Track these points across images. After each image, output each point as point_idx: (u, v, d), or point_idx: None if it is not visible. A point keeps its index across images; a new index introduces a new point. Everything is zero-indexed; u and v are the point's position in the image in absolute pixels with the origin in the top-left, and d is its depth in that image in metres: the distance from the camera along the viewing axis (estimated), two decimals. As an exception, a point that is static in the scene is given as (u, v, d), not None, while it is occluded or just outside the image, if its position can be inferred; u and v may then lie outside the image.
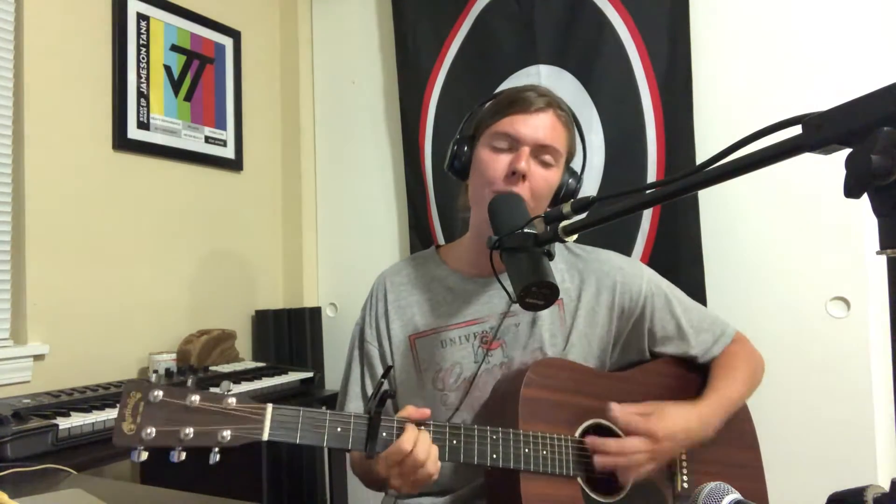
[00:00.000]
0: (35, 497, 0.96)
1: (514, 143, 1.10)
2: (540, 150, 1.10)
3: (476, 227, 1.19)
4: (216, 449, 0.81)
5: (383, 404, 0.90)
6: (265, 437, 0.84)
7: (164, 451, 0.79)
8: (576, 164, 1.21)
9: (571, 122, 1.17)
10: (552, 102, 1.13)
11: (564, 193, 1.15)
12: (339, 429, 0.88)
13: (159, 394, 0.79)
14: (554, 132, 1.11)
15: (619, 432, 1.07)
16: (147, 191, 2.03)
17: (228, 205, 2.31)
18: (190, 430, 0.79)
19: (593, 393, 1.11)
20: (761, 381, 1.24)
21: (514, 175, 1.08)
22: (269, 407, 0.85)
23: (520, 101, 1.12)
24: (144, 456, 0.78)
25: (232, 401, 0.83)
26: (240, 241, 2.35)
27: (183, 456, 0.80)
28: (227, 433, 0.81)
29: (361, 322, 1.27)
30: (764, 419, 1.25)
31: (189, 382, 0.81)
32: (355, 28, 2.43)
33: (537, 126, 1.10)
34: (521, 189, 1.08)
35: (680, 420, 1.06)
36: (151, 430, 0.78)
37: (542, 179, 1.10)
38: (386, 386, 0.91)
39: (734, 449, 1.17)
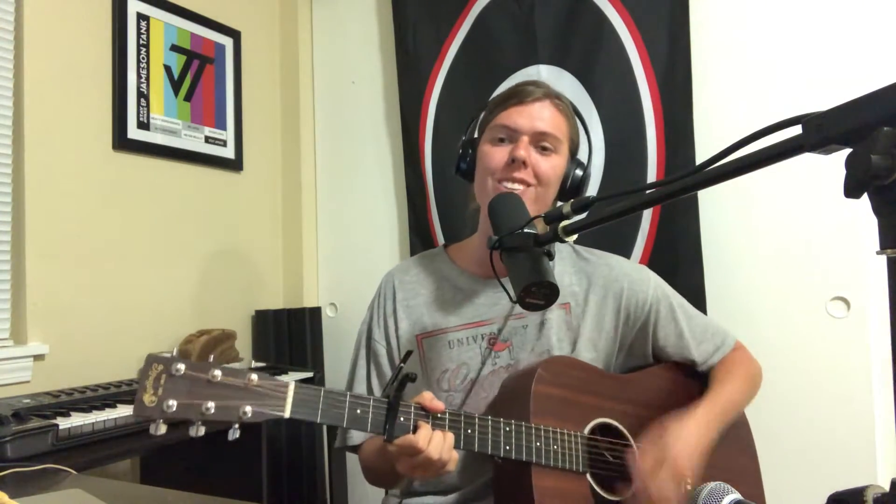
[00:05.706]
0: (35, 497, 0.96)
1: (513, 134, 1.12)
2: (539, 138, 1.12)
3: (483, 226, 1.19)
4: (236, 425, 0.80)
5: (403, 388, 0.89)
6: (287, 413, 0.82)
7: (184, 425, 0.78)
8: (582, 156, 1.21)
9: (571, 112, 1.18)
10: (549, 93, 1.15)
11: (571, 183, 1.16)
12: (358, 410, 0.88)
13: (182, 367, 0.77)
14: (552, 120, 1.13)
15: (625, 431, 1.09)
16: (147, 191, 2.03)
17: (228, 205, 2.31)
18: (211, 405, 0.77)
19: (601, 392, 1.12)
20: (759, 387, 1.24)
21: (514, 163, 1.09)
22: (292, 384, 0.83)
23: (517, 94, 1.14)
24: (164, 429, 0.76)
25: (254, 377, 0.81)
26: (240, 241, 2.35)
27: (202, 431, 0.78)
28: (248, 409, 0.79)
29: (368, 321, 1.26)
30: (764, 419, 1.25)
31: (211, 359, 0.80)
32: (355, 28, 2.43)
33: (534, 115, 1.12)
34: (525, 175, 1.09)
35: (693, 440, 1.03)
36: (172, 403, 0.76)
37: (546, 165, 1.12)
38: (406, 370, 0.89)
39: (733, 453, 1.18)
